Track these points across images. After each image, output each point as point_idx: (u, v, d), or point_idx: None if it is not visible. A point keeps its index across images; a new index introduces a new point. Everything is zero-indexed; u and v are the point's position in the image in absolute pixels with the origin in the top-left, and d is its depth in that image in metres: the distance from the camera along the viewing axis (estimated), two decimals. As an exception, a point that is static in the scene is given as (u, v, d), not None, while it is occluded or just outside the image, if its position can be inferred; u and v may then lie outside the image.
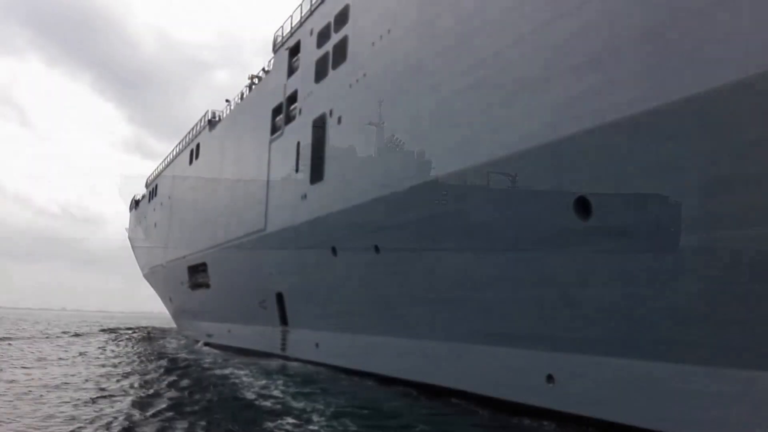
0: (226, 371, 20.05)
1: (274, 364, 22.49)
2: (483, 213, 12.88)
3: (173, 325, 56.12)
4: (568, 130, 10.66)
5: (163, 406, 12.88)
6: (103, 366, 21.51)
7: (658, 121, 9.21)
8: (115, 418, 11.32)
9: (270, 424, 11.10)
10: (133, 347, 33.50)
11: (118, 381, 17.11)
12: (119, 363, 23.09)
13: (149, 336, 45.53)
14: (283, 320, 24.33)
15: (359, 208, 17.57)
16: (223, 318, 32.83)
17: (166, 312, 54.54)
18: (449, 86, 14.07)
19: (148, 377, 18.22)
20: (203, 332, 36.62)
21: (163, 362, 23.08)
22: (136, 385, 16.43)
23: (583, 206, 10.51)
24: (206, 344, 34.15)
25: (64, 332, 48.95)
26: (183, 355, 27.45)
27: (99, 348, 31.85)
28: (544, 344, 11.81)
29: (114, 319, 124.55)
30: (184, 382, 17.07)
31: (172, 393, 14.99)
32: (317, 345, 21.36)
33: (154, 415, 11.77)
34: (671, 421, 9.44)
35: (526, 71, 11.76)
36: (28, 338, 39.11)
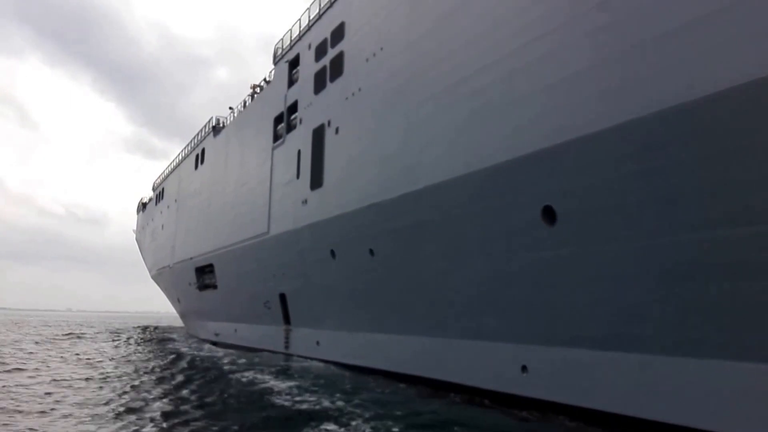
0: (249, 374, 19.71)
1: (296, 366, 22.05)
2: (463, 219, 14.12)
3: (180, 324, 57.56)
4: (539, 144, 11.89)
5: (194, 409, 13.09)
6: (117, 366, 22.58)
7: (616, 138, 10.42)
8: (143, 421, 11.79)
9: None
10: (148, 347, 34.71)
11: (142, 383, 17.47)
12: (139, 362, 24.21)
13: (161, 337, 46.58)
14: (286, 320, 25.62)
15: (355, 214, 18.81)
16: (229, 318, 34.13)
17: (173, 312, 55.99)
18: (435, 102, 15.31)
19: (170, 378, 18.74)
20: (211, 332, 37.93)
21: (184, 363, 23.75)
22: (157, 385, 17.01)
23: (549, 214, 11.75)
24: (214, 343, 35.45)
25: (67, 334, 50.10)
26: (203, 354, 28.35)
27: (114, 347, 33.11)
28: (519, 338, 13.04)
29: (119, 319, 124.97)
30: (209, 385, 17.19)
31: (200, 397, 14.97)
32: (318, 343, 22.63)
33: (186, 418, 12.02)
34: (632, 404, 10.59)
35: (503, 89, 12.98)
36: (50, 339, 40.43)
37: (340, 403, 13.59)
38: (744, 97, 8.54)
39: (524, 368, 12.90)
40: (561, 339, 12.13)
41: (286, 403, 13.83)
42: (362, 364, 19.21)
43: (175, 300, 49.57)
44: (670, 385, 10.07)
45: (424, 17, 16.07)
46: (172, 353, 28.35)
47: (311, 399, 14.33)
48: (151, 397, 14.79)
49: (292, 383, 16.91)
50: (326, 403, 13.61)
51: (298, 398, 14.50)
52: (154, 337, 46.34)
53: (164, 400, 14.22)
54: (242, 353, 27.74)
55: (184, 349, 31.15)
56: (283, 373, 19.59)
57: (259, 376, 18.88)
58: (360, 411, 12.62)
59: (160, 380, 18.22)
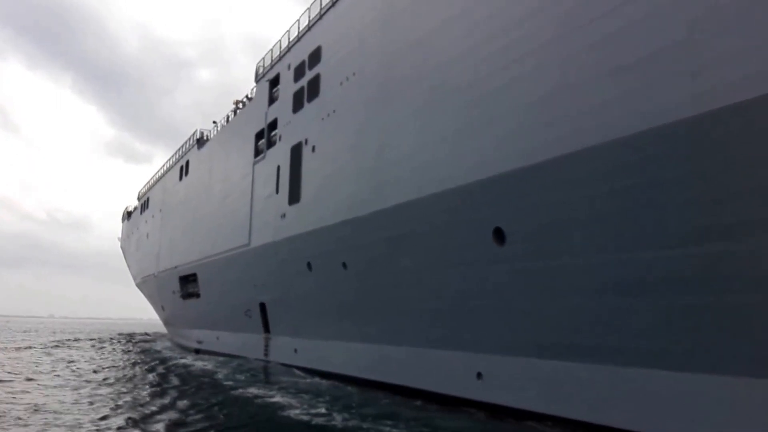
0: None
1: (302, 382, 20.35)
2: (426, 237, 15.28)
3: (164, 330, 58.23)
4: (491, 170, 13.06)
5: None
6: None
7: (562, 166, 11.58)
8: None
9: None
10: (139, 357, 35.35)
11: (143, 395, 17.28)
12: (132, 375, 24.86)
13: (150, 348, 46.56)
14: (266, 328, 26.60)
15: (330, 229, 19.88)
16: (212, 326, 35.01)
17: (156, 318, 56.71)
18: (402, 127, 16.48)
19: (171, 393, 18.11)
20: (194, 339, 38.77)
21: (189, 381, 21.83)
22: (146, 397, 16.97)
23: (499, 235, 12.91)
24: (197, 351, 36.28)
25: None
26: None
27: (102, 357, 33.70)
28: (474, 347, 14.17)
29: (102, 326, 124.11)
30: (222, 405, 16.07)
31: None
32: (295, 350, 23.63)
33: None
34: (575, 408, 11.68)
35: (463, 118, 14.14)
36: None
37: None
38: (697, 126, 9.43)
39: (479, 375, 14.02)
40: (512, 348, 13.26)
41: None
42: (335, 371, 20.22)
43: (159, 308, 50.29)
44: (611, 391, 11.17)
45: (394, 47, 17.23)
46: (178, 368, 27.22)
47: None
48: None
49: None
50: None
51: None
52: (145, 349, 46.64)
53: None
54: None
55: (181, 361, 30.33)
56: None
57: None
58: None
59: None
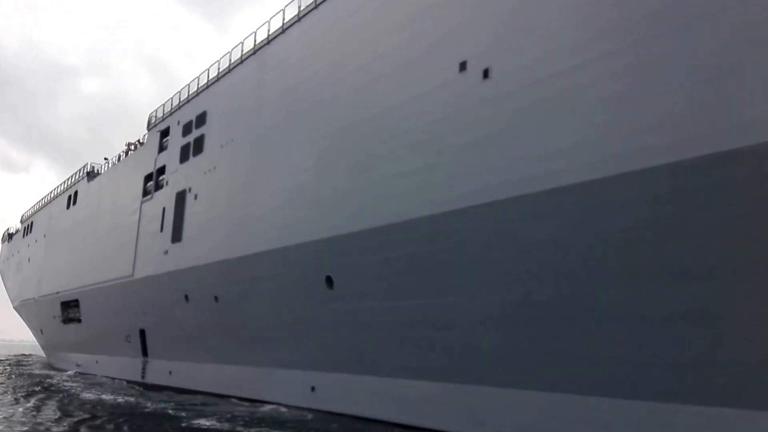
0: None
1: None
2: (278, 280, 19.43)
3: (41, 353, 57.92)
4: (325, 234, 17.44)
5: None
6: None
7: (364, 237, 16.06)
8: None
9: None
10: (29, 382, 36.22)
11: None
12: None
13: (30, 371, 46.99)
14: (144, 352, 29.44)
15: (205, 268, 23.48)
16: (91, 350, 37.02)
17: (31, 340, 56.53)
18: (264, 190, 20.60)
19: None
20: (73, 363, 40.24)
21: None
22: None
23: (329, 281, 17.27)
24: (78, 373, 37.89)
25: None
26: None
27: None
28: (310, 366, 18.36)
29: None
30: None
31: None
32: (170, 372, 26.74)
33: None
34: (388, 412, 15.73)
35: (307, 192, 18.45)
36: None
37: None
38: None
39: (313, 388, 18.18)
40: (338, 367, 17.53)
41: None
42: (206, 390, 23.64)
43: (38, 331, 50.57)
44: (406, 398, 15.44)
45: (262, 124, 21.41)
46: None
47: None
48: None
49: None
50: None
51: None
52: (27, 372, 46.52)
53: None
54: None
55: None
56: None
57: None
58: None
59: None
